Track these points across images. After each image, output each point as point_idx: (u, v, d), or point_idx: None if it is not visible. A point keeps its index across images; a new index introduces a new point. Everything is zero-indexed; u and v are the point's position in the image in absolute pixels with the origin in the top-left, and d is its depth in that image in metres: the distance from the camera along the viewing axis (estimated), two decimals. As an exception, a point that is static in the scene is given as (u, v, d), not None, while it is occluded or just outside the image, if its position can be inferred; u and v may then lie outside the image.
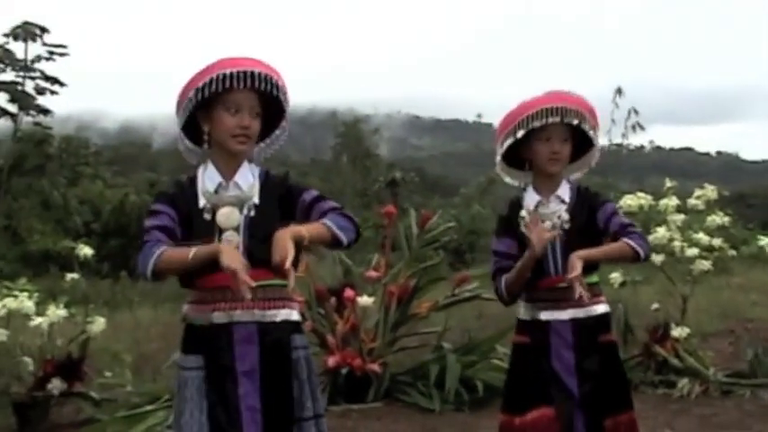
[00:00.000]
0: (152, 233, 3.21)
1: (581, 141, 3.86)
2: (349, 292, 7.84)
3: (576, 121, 3.75)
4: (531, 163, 3.87)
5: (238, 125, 3.28)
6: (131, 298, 19.16)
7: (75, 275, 8.38)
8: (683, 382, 7.49)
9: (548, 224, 3.76)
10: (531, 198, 3.86)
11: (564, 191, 3.84)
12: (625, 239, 3.65)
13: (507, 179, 4.01)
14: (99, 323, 7.47)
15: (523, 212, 3.83)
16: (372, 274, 8.26)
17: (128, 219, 29.45)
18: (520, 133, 3.77)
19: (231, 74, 3.25)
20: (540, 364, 3.79)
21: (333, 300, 8.03)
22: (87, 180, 39.38)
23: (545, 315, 3.80)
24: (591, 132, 3.82)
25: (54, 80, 37.64)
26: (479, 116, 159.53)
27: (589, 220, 3.78)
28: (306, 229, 3.12)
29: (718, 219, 8.06)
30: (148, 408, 7.29)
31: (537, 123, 3.72)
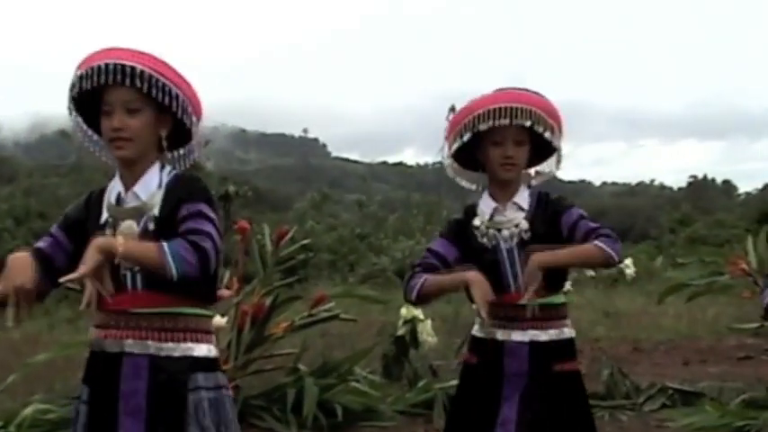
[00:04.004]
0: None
1: (545, 143, 3.51)
2: (200, 312, 7.44)
3: (528, 123, 3.40)
4: (484, 166, 3.54)
5: (110, 127, 2.86)
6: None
7: None
8: (543, 405, 7.42)
9: (504, 233, 3.46)
10: (486, 205, 3.53)
11: (522, 197, 3.52)
12: (595, 242, 3.31)
13: (463, 183, 3.64)
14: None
15: (477, 221, 3.52)
16: (225, 292, 7.86)
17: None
18: (466, 136, 3.44)
19: (83, 74, 2.85)
20: (488, 388, 3.46)
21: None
22: None
23: (501, 335, 3.47)
24: (547, 134, 3.45)
25: None
26: (305, 131, 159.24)
27: (551, 229, 3.45)
28: (125, 245, 2.69)
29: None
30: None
31: (483, 126, 3.39)
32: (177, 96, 2.89)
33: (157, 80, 2.85)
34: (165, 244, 2.70)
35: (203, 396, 2.87)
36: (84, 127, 3.01)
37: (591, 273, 7.99)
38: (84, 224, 2.94)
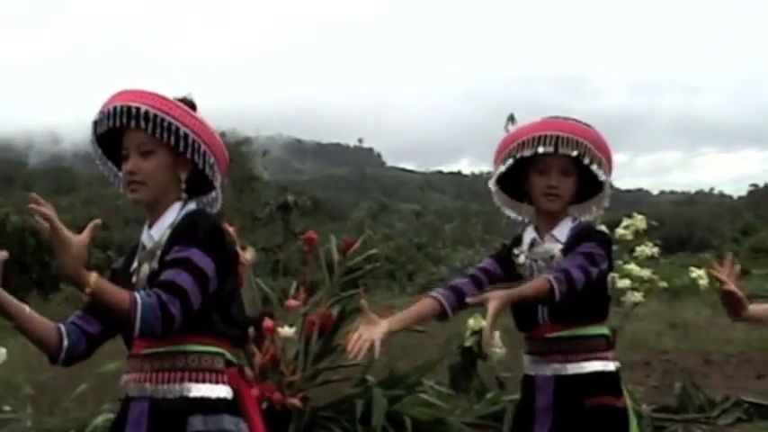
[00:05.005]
0: None
1: (593, 177, 3.39)
2: (268, 322, 7.43)
3: (574, 153, 3.29)
4: (530, 197, 3.45)
5: (125, 171, 2.79)
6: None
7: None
8: (616, 418, 7.30)
9: (540, 264, 3.38)
10: (528, 236, 3.47)
11: (563, 230, 3.41)
12: (545, 274, 3.20)
13: (508, 212, 3.57)
14: (0, 354, 6.87)
15: (517, 250, 3.46)
16: (292, 302, 7.85)
17: (9, 239, 28.31)
18: (508, 162, 3.37)
19: (96, 119, 2.81)
20: (523, 424, 3.44)
21: (251, 330, 7.60)
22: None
23: (533, 369, 3.43)
24: (594, 167, 3.33)
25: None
26: (360, 141, 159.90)
27: None
28: (95, 286, 2.51)
29: (647, 249, 7.91)
30: (52, 446, 6.77)
31: (527, 153, 3.31)
32: (187, 136, 2.76)
33: (163, 120, 2.74)
34: (139, 302, 2.53)
35: None
36: (110, 165, 2.95)
37: (664, 284, 7.80)
38: (122, 273, 2.86)
